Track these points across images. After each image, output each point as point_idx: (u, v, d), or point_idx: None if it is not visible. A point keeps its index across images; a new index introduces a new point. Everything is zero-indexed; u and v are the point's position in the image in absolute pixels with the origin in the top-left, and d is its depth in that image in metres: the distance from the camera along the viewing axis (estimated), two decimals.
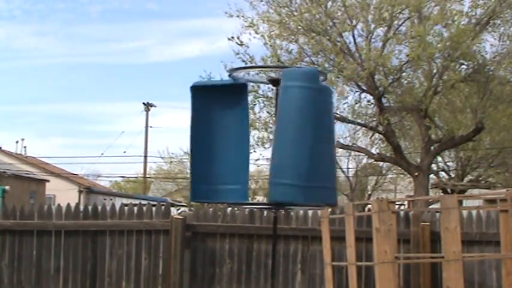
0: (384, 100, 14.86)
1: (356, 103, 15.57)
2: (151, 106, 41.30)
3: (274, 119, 4.80)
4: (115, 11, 73.43)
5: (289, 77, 4.05)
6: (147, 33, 77.21)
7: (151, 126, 43.00)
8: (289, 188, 3.95)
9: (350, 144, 18.77)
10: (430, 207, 14.48)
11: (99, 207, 7.90)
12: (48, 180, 32.91)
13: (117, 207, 7.90)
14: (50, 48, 72.15)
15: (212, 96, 4.21)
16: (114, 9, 72.80)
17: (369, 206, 7.79)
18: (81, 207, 8.04)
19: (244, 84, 4.37)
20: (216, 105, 4.20)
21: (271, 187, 3.99)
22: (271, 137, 14.32)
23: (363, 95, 15.20)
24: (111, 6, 73.05)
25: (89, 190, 35.32)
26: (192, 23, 77.41)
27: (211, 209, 7.92)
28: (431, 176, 19.27)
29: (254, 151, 15.52)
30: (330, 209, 7.36)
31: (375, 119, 15.46)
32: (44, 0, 71.87)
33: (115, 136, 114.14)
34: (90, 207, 7.93)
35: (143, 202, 9.15)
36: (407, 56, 13.70)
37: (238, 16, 14.50)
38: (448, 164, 24.15)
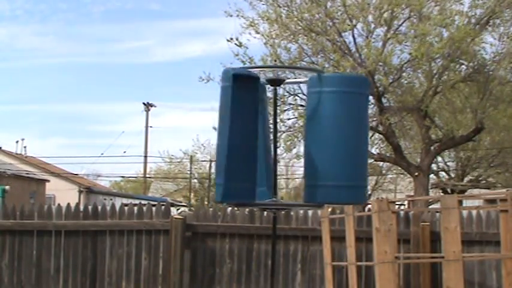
0: (384, 100, 14.85)
1: None
2: (151, 106, 41.34)
3: (273, 119, 4.75)
4: (117, 11, 73.55)
5: (319, 83, 4.08)
6: (149, 33, 77.31)
7: (151, 126, 43.03)
8: (330, 188, 4.01)
9: None
10: (430, 207, 14.50)
11: (99, 207, 7.91)
12: (48, 180, 32.92)
13: (117, 207, 7.90)
14: (52, 48, 72.25)
15: (248, 88, 4.08)
16: (116, 9, 72.90)
17: (369, 206, 7.79)
18: (81, 207, 8.05)
19: (262, 86, 4.34)
20: (250, 97, 4.08)
21: (310, 189, 4.04)
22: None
23: None
24: (113, 6, 73.10)
25: (89, 190, 35.32)
26: (194, 23, 77.53)
27: (211, 209, 7.93)
28: (431, 176, 19.26)
29: None
30: (330, 209, 7.37)
31: (375, 119, 15.45)
32: (46, 0, 71.94)
33: (115, 136, 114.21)
34: (90, 207, 7.94)
35: (143, 202, 9.16)
36: (410, 54, 13.68)
37: (237, 16, 14.50)
38: (448, 164, 24.14)
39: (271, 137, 4.46)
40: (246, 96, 4.01)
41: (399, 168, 19.03)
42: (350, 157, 4.02)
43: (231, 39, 14.33)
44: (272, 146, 4.43)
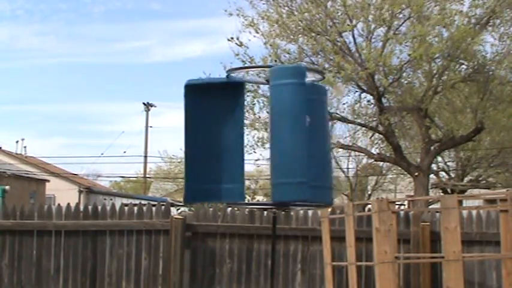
0: (384, 100, 14.85)
1: (356, 103, 15.57)
2: (151, 106, 41.31)
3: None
4: (117, 11, 73.46)
5: (277, 75, 4.06)
6: (150, 33, 77.23)
7: (151, 126, 43.05)
8: (291, 186, 3.95)
9: (350, 144, 18.76)
10: (430, 207, 14.49)
11: (99, 207, 7.90)
12: (48, 180, 32.90)
13: (117, 207, 7.90)
14: (52, 48, 72.20)
15: (207, 95, 4.17)
16: (116, 9, 72.83)
17: (369, 206, 7.79)
18: (81, 207, 8.05)
19: (240, 83, 4.35)
20: (211, 104, 4.18)
21: (274, 187, 4.00)
22: None
23: (363, 95, 15.19)
24: (113, 6, 73.06)
25: (89, 190, 35.30)
26: (194, 23, 77.45)
27: (211, 209, 7.92)
28: (431, 176, 19.26)
29: (254, 151, 15.50)
30: (330, 209, 7.37)
31: (375, 119, 15.45)
32: (47, 0, 71.89)
33: (115, 136, 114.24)
34: (90, 207, 7.93)
35: (143, 202, 9.15)
36: (409, 55, 13.69)
37: (238, 15, 14.50)
38: (448, 164, 24.13)
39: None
40: (203, 105, 4.11)
41: (399, 168, 19.02)
42: (306, 155, 3.92)
43: (232, 38, 14.34)
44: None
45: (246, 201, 4.65)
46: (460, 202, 7.16)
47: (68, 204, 8.01)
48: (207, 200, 4.34)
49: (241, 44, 14.36)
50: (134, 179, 46.09)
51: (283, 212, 7.46)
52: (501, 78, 14.57)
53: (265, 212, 7.58)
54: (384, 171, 29.94)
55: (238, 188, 4.26)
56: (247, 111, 14.06)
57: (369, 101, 15.48)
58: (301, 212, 7.67)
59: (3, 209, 8.15)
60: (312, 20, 14.05)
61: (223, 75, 4.46)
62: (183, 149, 4.22)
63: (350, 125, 17.18)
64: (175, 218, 7.67)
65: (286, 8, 14.41)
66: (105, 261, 7.76)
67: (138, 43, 75.47)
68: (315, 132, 4.01)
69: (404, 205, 13.90)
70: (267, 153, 16.08)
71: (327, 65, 14.23)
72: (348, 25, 13.86)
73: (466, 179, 23.05)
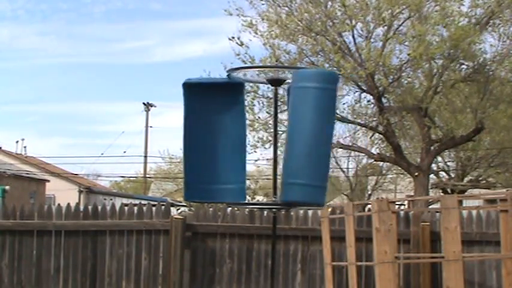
0: (384, 100, 14.84)
1: (356, 103, 15.56)
2: (151, 106, 41.32)
3: (273, 119, 4.76)
4: (118, 11, 73.51)
5: (303, 78, 4.03)
6: (150, 33, 77.24)
7: (151, 126, 43.05)
8: (303, 187, 3.96)
9: (350, 144, 18.76)
10: (430, 207, 14.49)
11: (99, 207, 7.91)
12: (48, 180, 32.90)
13: (117, 207, 7.91)
14: (52, 48, 72.21)
15: (207, 94, 4.16)
16: (117, 9, 72.89)
17: (369, 206, 7.79)
18: (81, 207, 8.05)
19: (240, 83, 4.34)
20: (211, 103, 4.17)
21: (285, 187, 4.01)
22: (270, 137, 14.30)
23: (363, 95, 15.17)
24: (114, 6, 73.09)
25: (89, 190, 35.30)
26: (195, 23, 77.50)
27: (211, 209, 7.93)
28: (431, 176, 19.25)
29: (254, 151, 15.49)
30: (330, 209, 7.37)
31: (375, 119, 15.44)
32: (47, 0, 71.91)
33: (115, 136, 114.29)
34: (90, 207, 7.94)
35: (143, 202, 9.15)
36: (409, 55, 13.68)
37: (238, 15, 14.50)
38: (448, 164, 24.13)
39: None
40: (202, 104, 4.10)
41: (399, 168, 19.01)
42: (307, 155, 3.92)
43: (233, 38, 14.33)
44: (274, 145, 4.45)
45: (246, 201, 4.63)
46: (460, 202, 7.15)
47: (68, 204, 8.01)
48: (208, 200, 4.33)
49: (242, 44, 14.35)
50: (134, 179, 46.09)
51: (283, 212, 7.46)
52: (501, 79, 14.57)
53: (265, 212, 7.58)
54: (384, 171, 29.92)
55: (240, 188, 4.26)
56: (246, 111, 14.06)
57: (368, 101, 15.47)
58: (301, 212, 7.67)
59: (3, 209, 8.15)
60: (312, 20, 14.04)
61: (224, 75, 4.46)
62: (182, 148, 4.21)
63: (350, 125, 17.17)
64: (175, 218, 7.67)
65: (286, 8, 14.41)
66: (105, 261, 7.76)
67: (138, 43, 75.51)
68: (326, 133, 4.00)
69: (404, 205, 13.90)
70: (267, 153, 16.08)
71: (326, 65, 14.21)
72: (348, 25, 13.86)
73: (466, 179, 23.04)
